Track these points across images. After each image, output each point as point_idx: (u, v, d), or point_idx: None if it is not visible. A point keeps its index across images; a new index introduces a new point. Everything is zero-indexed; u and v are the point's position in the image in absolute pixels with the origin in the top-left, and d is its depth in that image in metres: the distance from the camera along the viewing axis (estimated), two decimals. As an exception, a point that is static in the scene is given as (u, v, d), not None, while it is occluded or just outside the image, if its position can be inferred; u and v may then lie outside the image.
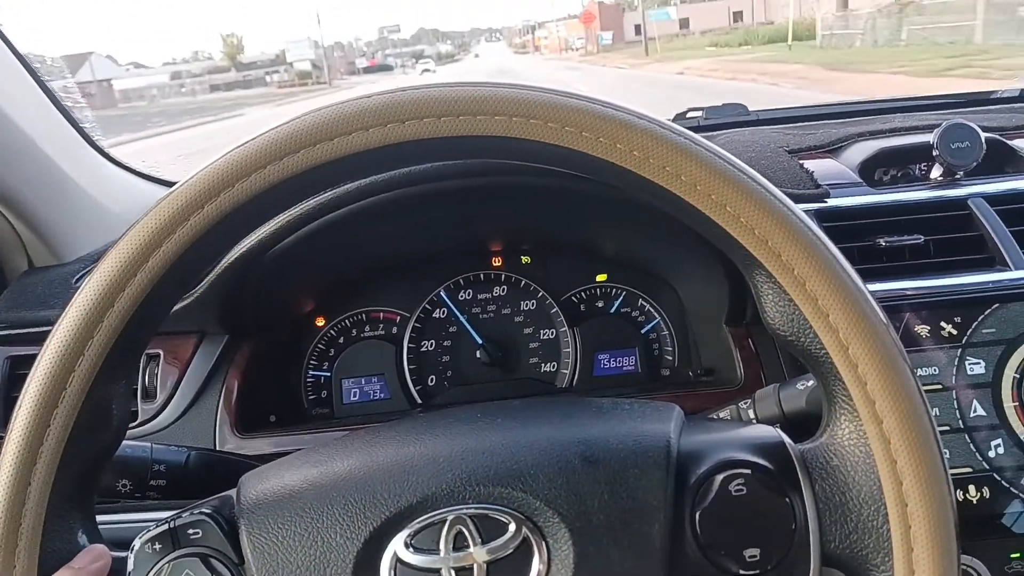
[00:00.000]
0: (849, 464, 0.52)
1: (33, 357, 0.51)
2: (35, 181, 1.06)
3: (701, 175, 0.49)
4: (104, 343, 0.51)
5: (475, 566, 0.51)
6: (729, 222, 0.50)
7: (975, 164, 0.96)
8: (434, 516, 0.53)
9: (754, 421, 0.75)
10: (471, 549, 0.52)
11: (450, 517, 0.53)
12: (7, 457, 0.50)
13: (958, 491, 0.80)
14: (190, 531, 0.55)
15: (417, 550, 0.52)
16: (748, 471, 0.53)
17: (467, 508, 0.53)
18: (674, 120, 1.46)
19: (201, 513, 0.55)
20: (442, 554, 0.52)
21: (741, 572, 0.52)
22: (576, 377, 1.11)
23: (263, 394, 1.03)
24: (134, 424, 0.96)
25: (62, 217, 1.10)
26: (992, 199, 0.94)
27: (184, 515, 0.56)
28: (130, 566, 0.54)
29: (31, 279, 1.08)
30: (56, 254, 1.10)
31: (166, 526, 0.55)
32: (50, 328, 0.51)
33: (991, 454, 0.81)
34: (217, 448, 0.96)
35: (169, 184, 1.35)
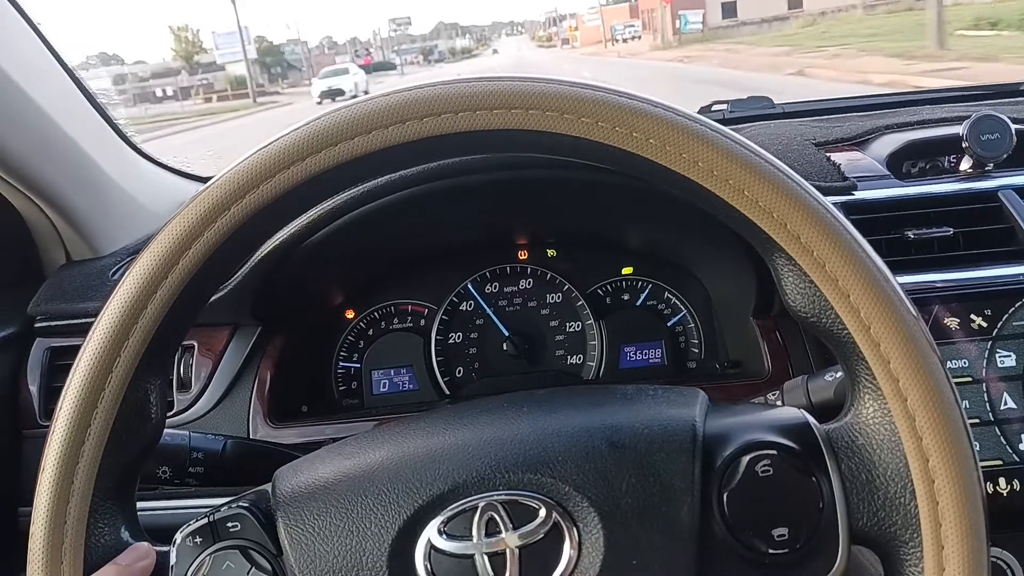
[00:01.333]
0: (874, 442, 0.52)
1: (73, 348, 0.53)
2: (73, 177, 1.08)
3: (719, 161, 0.50)
4: (142, 340, 0.52)
5: (507, 551, 0.52)
6: (748, 207, 0.50)
7: (1005, 156, 0.95)
8: (466, 503, 0.54)
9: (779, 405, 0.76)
10: (503, 535, 0.52)
11: (481, 504, 0.53)
12: (50, 456, 0.51)
13: (988, 484, 0.80)
14: (229, 524, 0.56)
15: (450, 537, 0.53)
16: (774, 452, 0.53)
17: (498, 495, 0.54)
18: (699, 112, 1.46)
19: (239, 506, 0.57)
20: (475, 540, 0.52)
21: (770, 551, 0.52)
22: (602, 369, 1.12)
23: (295, 385, 1.05)
24: (170, 414, 0.98)
25: (98, 212, 1.13)
26: (1023, 191, 0.93)
27: (223, 509, 0.57)
28: (172, 559, 0.55)
29: (69, 272, 1.11)
30: (93, 248, 1.12)
31: (206, 520, 0.56)
32: (88, 320, 0.52)
33: (1022, 447, 0.81)
34: (250, 437, 0.98)
35: (202, 180, 1.37)
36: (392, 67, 73.93)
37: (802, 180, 0.51)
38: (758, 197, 0.50)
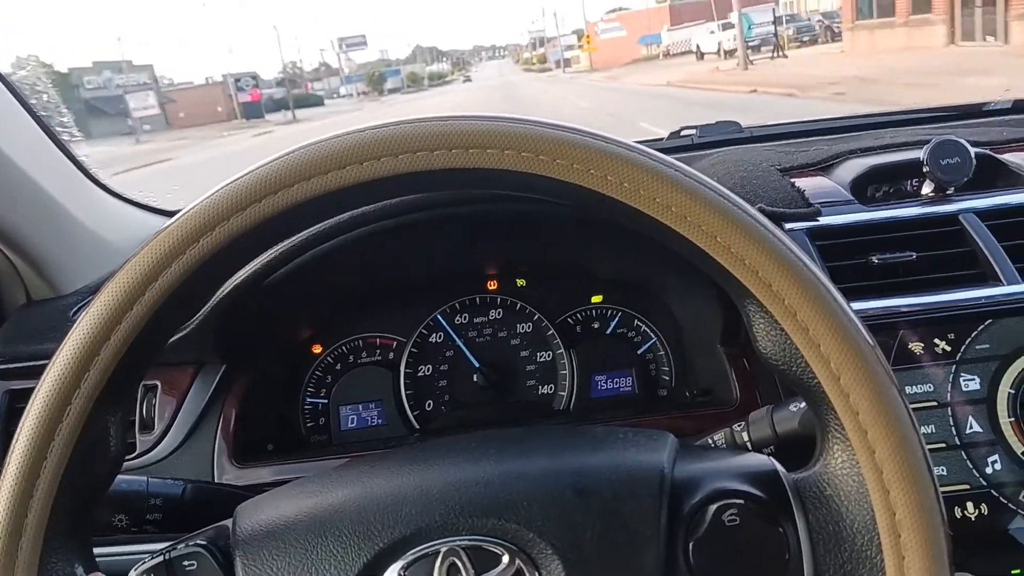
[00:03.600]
0: (842, 493, 0.52)
1: (31, 391, 0.52)
2: (31, 214, 1.07)
3: (690, 206, 0.50)
4: (100, 377, 0.51)
5: None
6: (719, 252, 0.50)
7: (965, 180, 0.96)
8: (428, 548, 0.53)
9: (748, 444, 0.75)
10: None
11: (443, 549, 0.53)
12: (3, 491, 0.50)
13: (956, 508, 0.80)
14: (185, 563, 0.55)
15: None
16: (741, 501, 0.53)
17: (460, 540, 0.53)
18: (668, 138, 1.47)
19: (196, 544, 0.56)
20: None
21: None
22: (573, 399, 1.11)
23: (261, 423, 1.04)
24: (132, 456, 0.96)
25: (59, 250, 1.11)
26: (983, 214, 0.94)
27: (179, 547, 0.56)
28: None
29: (29, 312, 1.09)
30: (54, 287, 1.11)
31: (161, 558, 0.56)
32: (47, 362, 0.52)
33: (988, 471, 0.81)
34: (215, 478, 0.96)
35: (168, 214, 1.36)
36: (319, 102, 54.67)
37: (774, 227, 0.51)
38: (730, 243, 0.50)
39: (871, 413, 0.48)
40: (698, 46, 33.57)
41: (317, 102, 54.78)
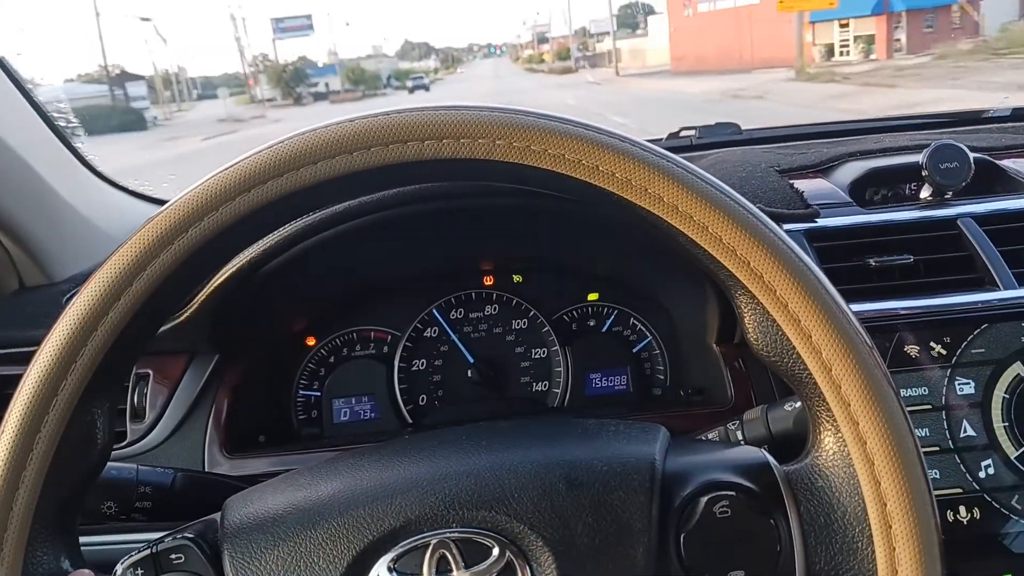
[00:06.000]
0: (834, 485, 0.51)
1: (21, 378, 0.51)
2: (25, 200, 1.06)
3: (681, 196, 0.50)
4: (88, 366, 0.51)
5: None
6: (710, 243, 0.50)
7: (964, 184, 0.96)
8: (417, 540, 0.53)
9: (742, 442, 0.75)
10: (454, 573, 0.52)
11: (433, 541, 0.52)
12: None
13: (949, 512, 0.80)
14: (172, 556, 0.55)
15: (400, 574, 0.52)
16: (733, 493, 0.53)
17: (451, 532, 0.53)
18: (667, 139, 1.47)
19: (184, 537, 0.55)
20: None
21: None
22: (568, 396, 1.11)
23: (253, 414, 1.03)
24: (123, 444, 0.95)
25: (53, 236, 1.10)
26: (981, 219, 0.94)
27: (167, 540, 0.56)
28: None
29: (21, 298, 1.08)
30: (47, 273, 1.10)
31: (148, 551, 0.55)
32: (37, 348, 0.51)
33: (982, 475, 0.81)
34: (206, 468, 0.95)
35: (161, 202, 1.35)
36: (135, 124, 26.81)
37: (765, 218, 0.51)
38: (721, 234, 0.50)
39: (862, 404, 0.48)
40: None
41: (132, 124, 28.80)
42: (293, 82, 51.38)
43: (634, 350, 1.13)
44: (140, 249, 0.51)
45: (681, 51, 35.94)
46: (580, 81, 35.75)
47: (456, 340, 1.13)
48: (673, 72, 32.37)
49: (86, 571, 0.55)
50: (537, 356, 1.13)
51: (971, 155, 0.97)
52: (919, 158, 0.98)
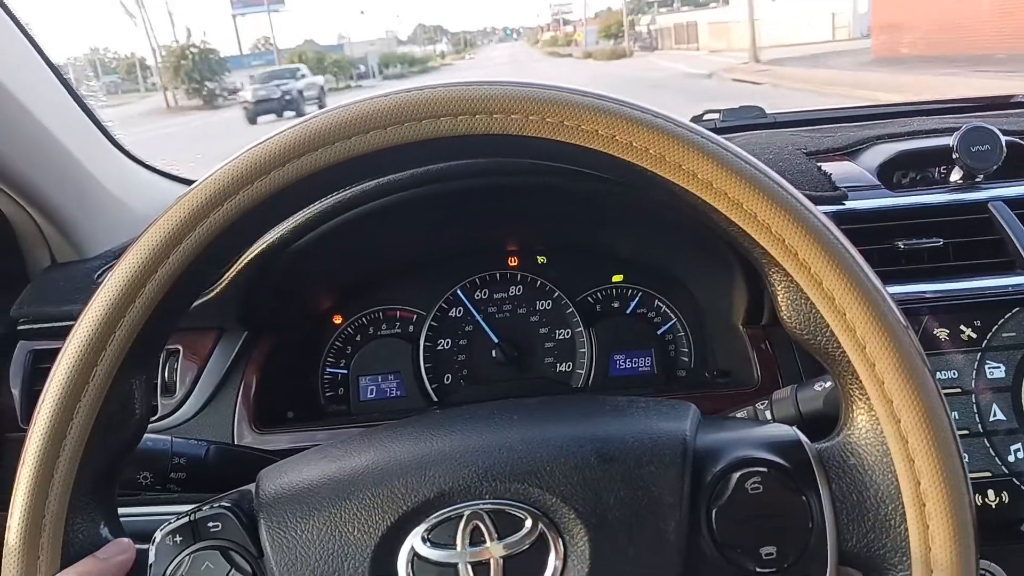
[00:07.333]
0: (866, 463, 0.52)
1: (55, 351, 0.52)
2: (58, 178, 1.07)
3: (716, 173, 0.50)
4: (125, 339, 0.52)
5: (491, 561, 0.52)
6: (745, 220, 0.50)
7: (995, 167, 0.95)
8: (451, 511, 0.53)
9: (772, 422, 0.75)
10: (487, 544, 0.52)
11: (467, 512, 0.53)
12: (30, 451, 0.51)
13: (977, 496, 0.80)
14: (210, 524, 0.55)
15: (434, 545, 0.52)
16: (765, 469, 0.53)
17: (484, 504, 0.53)
18: (691, 122, 1.46)
19: (221, 507, 0.56)
20: (459, 549, 0.52)
21: (757, 570, 0.52)
22: (591, 377, 1.11)
23: (281, 390, 1.04)
24: (154, 419, 0.97)
25: (84, 214, 1.12)
26: (1012, 202, 0.93)
27: (204, 508, 0.56)
28: (151, 558, 0.55)
29: (53, 274, 1.09)
30: (78, 250, 1.11)
31: (187, 519, 0.56)
32: (72, 323, 0.52)
33: (1011, 459, 0.81)
34: (235, 443, 0.96)
35: (189, 182, 1.36)
36: None
37: (800, 195, 0.51)
38: (756, 211, 0.50)
39: (897, 382, 0.48)
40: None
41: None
42: (198, 75, 33.99)
43: (659, 332, 1.13)
44: (177, 222, 0.51)
45: (891, 18, 18.69)
46: (669, 76, 21.33)
47: (480, 320, 1.13)
48: (874, 58, 18.28)
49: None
50: (561, 337, 1.14)
51: (1003, 138, 0.96)
52: (949, 141, 0.97)
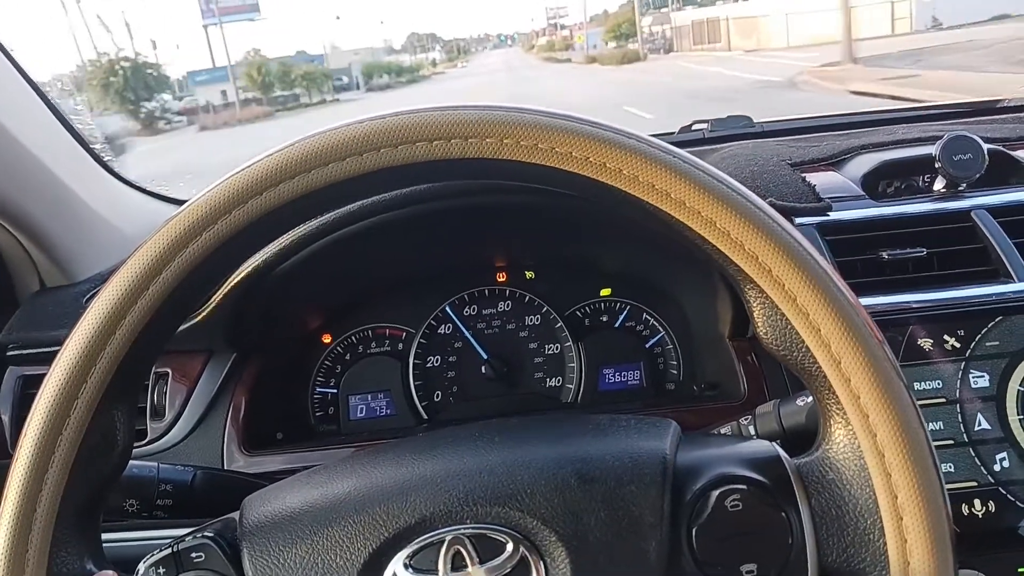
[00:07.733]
0: (845, 478, 0.52)
1: (44, 377, 0.52)
2: (45, 201, 1.07)
3: (689, 192, 0.50)
4: (106, 371, 0.51)
5: None
6: (719, 238, 0.50)
7: (978, 176, 0.96)
8: (432, 536, 0.53)
9: (754, 437, 0.76)
10: (469, 569, 0.52)
11: (448, 537, 0.53)
12: (12, 485, 0.51)
13: (963, 505, 0.80)
14: (193, 554, 0.55)
15: (416, 570, 0.53)
16: (744, 486, 0.53)
17: (465, 528, 0.53)
18: (680, 132, 1.47)
19: (204, 536, 0.56)
20: (440, 574, 0.52)
21: None
22: (581, 392, 1.11)
23: (270, 412, 1.04)
24: (143, 443, 0.97)
25: (73, 237, 1.12)
26: (995, 211, 0.94)
27: (187, 538, 0.56)
28: None
29: (42, 299, 1.10)
30: (67, 274, 1.11)
31: (169, 550, 0.56)
32: (59, 348, 0.52)
33: (996, 468, 0.81)
34: (225, 466, 0.96)
35: (180, 203, 1.36)
36: None
37: (773, 212, 0.51)
38: (729, 229, 0.50)
39: (872, 397, 0.48)
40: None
41: None
42: (132, 94, 28.96)
43: (647, 345, 1.13)
44: (158, 250, 0.51)
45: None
46: (732, 86, 15.03)
47: (469, 337, 1.14)
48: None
49: (109, 572, 0.56)
50: (550, 352, 1.14)
51: (985, 146, 0.96)
52: (932, 150, 0.98)
